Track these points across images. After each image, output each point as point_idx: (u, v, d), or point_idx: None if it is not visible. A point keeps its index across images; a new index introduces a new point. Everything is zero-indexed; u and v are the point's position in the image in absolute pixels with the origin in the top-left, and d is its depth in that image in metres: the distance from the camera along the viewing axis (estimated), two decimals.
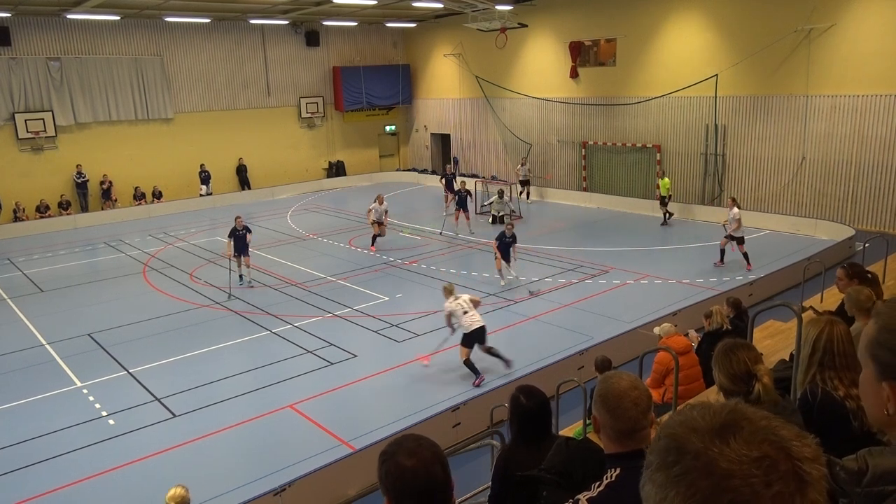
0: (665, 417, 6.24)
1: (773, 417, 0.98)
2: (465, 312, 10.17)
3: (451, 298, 10.35)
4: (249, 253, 16.07)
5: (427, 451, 2.03)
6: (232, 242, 15.62)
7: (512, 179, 25.87)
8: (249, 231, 15.94)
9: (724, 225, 15.60)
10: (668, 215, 20.78)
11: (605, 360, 7.57)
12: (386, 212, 19.00)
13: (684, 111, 22.59)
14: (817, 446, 0.96)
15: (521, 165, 25.22)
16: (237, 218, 15.95)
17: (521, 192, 24.97)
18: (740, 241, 15.19)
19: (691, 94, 22.08)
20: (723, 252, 15.64)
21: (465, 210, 20.15)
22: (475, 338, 10.19)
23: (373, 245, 18.74)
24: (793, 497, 0.90)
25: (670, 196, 20.68)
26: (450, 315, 10.30)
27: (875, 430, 2.69)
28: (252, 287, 15.65)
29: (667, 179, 20.60)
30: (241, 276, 15.93)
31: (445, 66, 31.24)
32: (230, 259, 15.74)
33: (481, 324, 10.22)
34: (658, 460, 0.98)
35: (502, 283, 14.97)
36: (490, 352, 10.40)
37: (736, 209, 15.18)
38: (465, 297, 10.44)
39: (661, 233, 19.91)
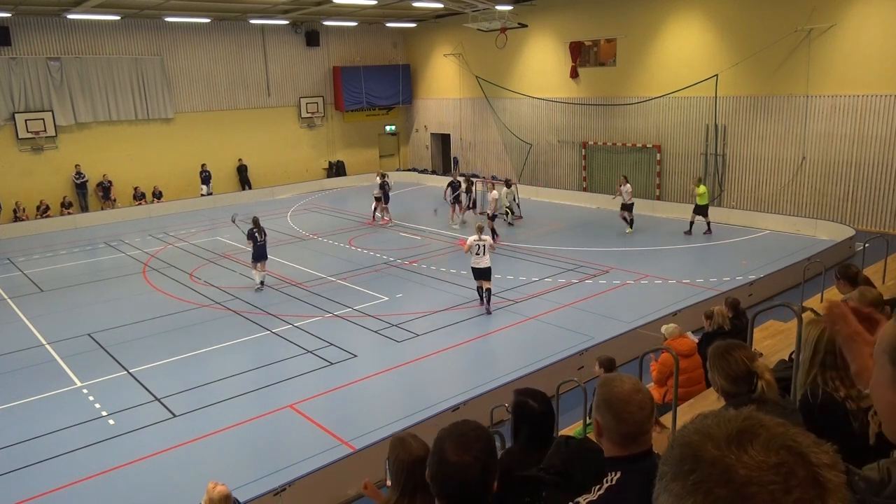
0: (665, 417, 6.24)
1: (788, 424, 0.96)
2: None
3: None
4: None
5: (469, 455, 2.14)
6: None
7: (512, 179, 25.77)
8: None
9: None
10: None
11: (610, 359, 7.54)
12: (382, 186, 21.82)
13: (684, 111, 22.58)
14: (835, 454, 0.94)
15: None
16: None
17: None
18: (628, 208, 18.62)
19: (691, 95, 22.07)
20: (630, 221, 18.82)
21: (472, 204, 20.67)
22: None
23: (373, 219, 22.01)
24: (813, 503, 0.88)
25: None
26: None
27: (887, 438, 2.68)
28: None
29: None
30: None
31: (445, 66, 31.23)
32: None
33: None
34: (673, 470, 0.95)
35: (454, 226, 20.58)
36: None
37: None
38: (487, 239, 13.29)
39: (660, 233, 19.88)
